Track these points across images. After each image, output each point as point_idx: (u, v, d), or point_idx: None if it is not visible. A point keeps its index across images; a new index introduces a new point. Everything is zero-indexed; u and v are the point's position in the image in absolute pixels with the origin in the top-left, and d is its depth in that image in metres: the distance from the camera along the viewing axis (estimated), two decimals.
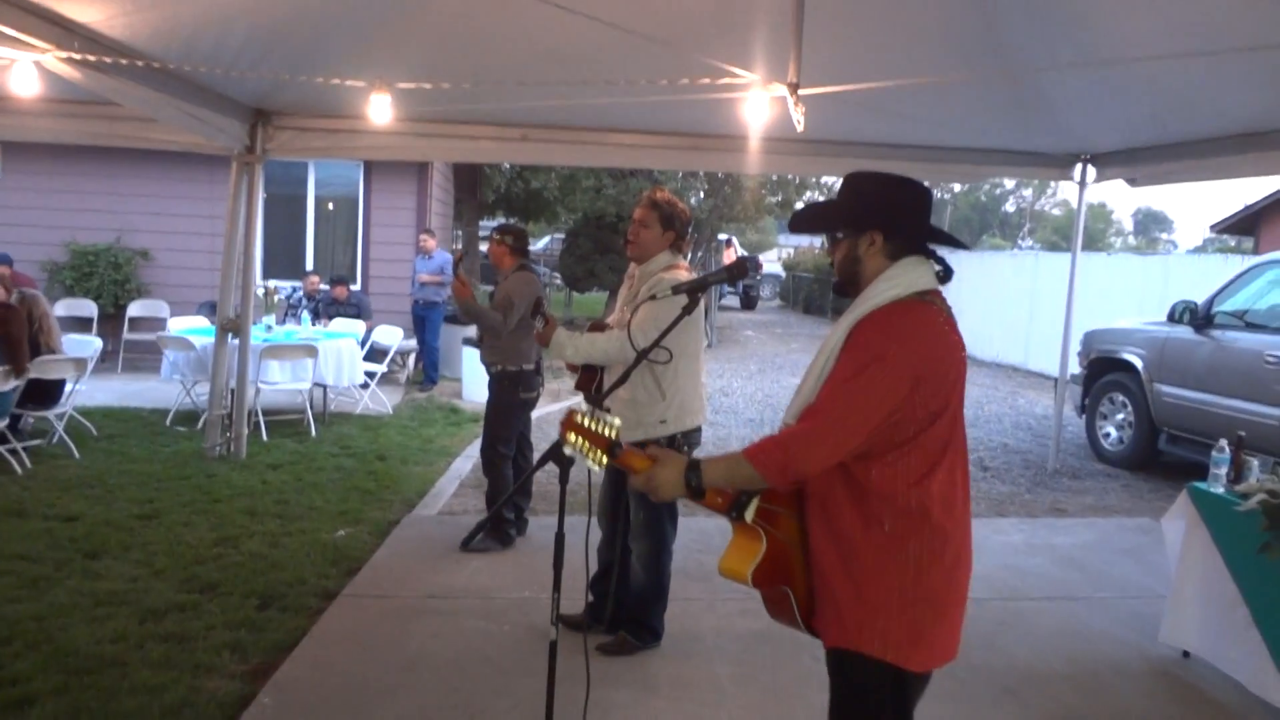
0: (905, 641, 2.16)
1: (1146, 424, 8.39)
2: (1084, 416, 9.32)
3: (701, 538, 5.99)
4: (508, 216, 21.88)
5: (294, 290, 11.24)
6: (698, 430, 4.18)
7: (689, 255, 22.84)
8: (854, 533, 2.17)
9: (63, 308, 11.31)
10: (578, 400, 2.40)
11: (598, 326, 4.21)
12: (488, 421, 5.70)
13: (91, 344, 8.02)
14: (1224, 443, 4.35)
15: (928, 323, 2.19)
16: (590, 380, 4.21)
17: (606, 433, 2.26)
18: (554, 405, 10.44)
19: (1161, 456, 8.43)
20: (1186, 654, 4.44)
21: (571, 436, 2.26)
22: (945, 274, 2.29)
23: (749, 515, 2.27)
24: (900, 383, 2.10)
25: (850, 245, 2.29)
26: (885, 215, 2.27)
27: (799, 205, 25.30)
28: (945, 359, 2.19)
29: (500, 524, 5.66)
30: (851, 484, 2.17)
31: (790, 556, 2.30)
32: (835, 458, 2.13)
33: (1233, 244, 27.03)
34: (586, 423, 2.26)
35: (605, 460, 2.25)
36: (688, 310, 2.66)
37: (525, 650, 4.26)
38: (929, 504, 2.15)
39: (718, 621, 4.70)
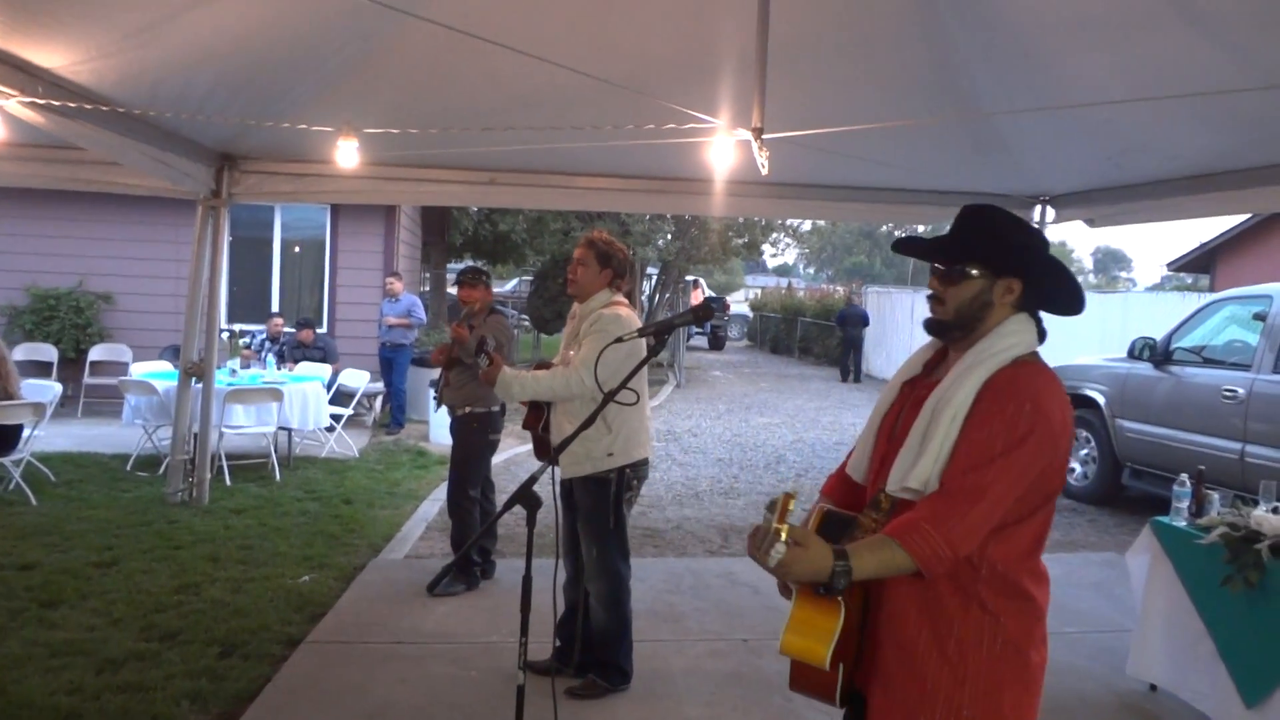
0: None
1: (1110, 459, 8.49)
2: None
3: (671, 579, 5.97)
4: (475, 259, 21.90)
5: (254, 336, 11.15)
6: (645, 463, 4.21)
7: (659, 296, 22.98)
8: (952, 611, 2.02)
9: (22, 352, 11.15)
10: (791, 485, 2.02)
11: (543, 366, 4.31)
12: (456, 466, 5.64)
13: (51, 389, 7.89)
14: (1185, 477, 4.41)
15: (1063, 392, 2.06)
16: (537, 419, 4.30)
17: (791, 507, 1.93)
18: (522, 447, 10.40)
19: (1125, 491, 8.53)
20: (1154, 687, 4.47)
21: (785, 532, 1.89)
22: (1041, 334, 2.15)
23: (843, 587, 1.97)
24: (1043, 459, 1.97)
25: (984, 287, 2.09)
26: (1030, 263, 2.11)
27: (766, 246, 25.55)
28: (1072, 433, 2.07)
29: (467, 566, 5.61)
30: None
31: (853, 630, 2.07)
32: (983, 536, 1.98)
33: (1190, 281, 27.58)
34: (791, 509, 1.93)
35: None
36: (654, 353, 2.70)
37: (493, 696, 4.20)
38: (1030, 582, 2.05)
39: (687, 663, 4.67)
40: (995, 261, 2.09)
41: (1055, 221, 7.99)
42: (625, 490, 4.10)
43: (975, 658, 2.01)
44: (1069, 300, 2.15)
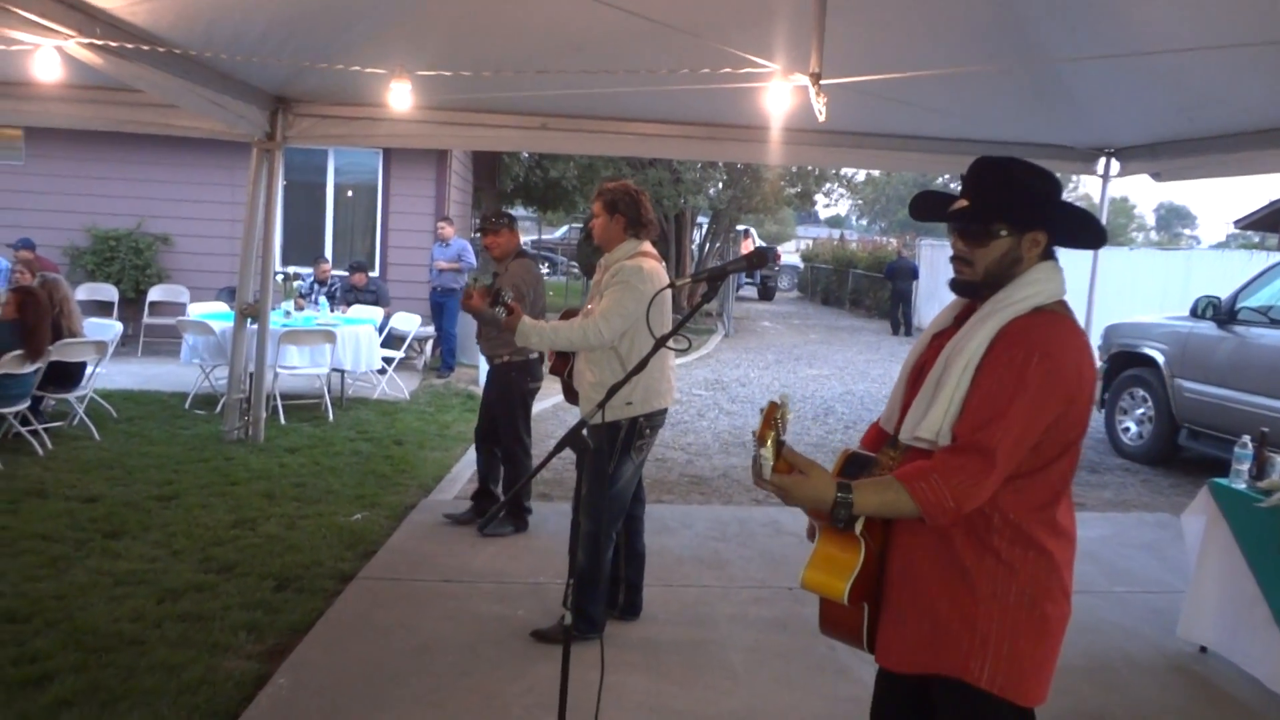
0: (1021, 675, 2.02)
1: (1167, 419, 8.33)
2: (1103, 411, 9.26)
3: (717, 526, 6.00)
4: (526, 205, 21.89)
5: (305, 279, 11.27)
6: (663, 413, 4.18)
7: (709, 245, 22.85)
8: (966, 558, 2.02)
9: (84, 292, 11.42)
10: (779, 394, 2.09)
11: (569, 314, 4.30)
12: (503, 416, 5.62)
13: (112, 328, 8.08)
14: (1247, 439, 4.31)
15: (1079, 341, 2.02)
16: (564, 365, 4.35)
17: (782, 427, 1.96)
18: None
19: (1181, 452, 8.38)
20: (1204, 649, 4.41)
21: (770, 439, 1.92)
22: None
23: (859, 525, 2.03)
24: (1054, 408, 1.95)
25: (1012, 245, 2.05)
26: (1053, 213, 2.08)
27: (819, 196, 25.24)
28: (1091, 383, 2.03)
29: (519, 509, 5.68)
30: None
31: (874, 570, 2.09)
32: (993, 491, 1.97)
33: (1256, 240, 26.74)
34: (779, 418, 1.96)
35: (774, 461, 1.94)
36: (706, 299, 2.69)
37: None
38: (1046, 534, 2.04)
39: (732, 609, 4.71)
40: (1021, 217, 2.05)
41: (1120, 175, 7.79)
42: (636, 438, 4.06)
43: (988, 606, 2.02)
44: (1092, 238, 2.13)
